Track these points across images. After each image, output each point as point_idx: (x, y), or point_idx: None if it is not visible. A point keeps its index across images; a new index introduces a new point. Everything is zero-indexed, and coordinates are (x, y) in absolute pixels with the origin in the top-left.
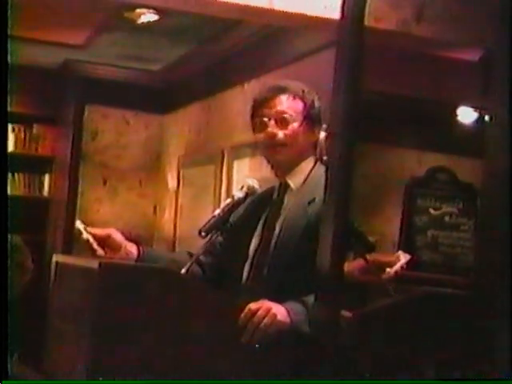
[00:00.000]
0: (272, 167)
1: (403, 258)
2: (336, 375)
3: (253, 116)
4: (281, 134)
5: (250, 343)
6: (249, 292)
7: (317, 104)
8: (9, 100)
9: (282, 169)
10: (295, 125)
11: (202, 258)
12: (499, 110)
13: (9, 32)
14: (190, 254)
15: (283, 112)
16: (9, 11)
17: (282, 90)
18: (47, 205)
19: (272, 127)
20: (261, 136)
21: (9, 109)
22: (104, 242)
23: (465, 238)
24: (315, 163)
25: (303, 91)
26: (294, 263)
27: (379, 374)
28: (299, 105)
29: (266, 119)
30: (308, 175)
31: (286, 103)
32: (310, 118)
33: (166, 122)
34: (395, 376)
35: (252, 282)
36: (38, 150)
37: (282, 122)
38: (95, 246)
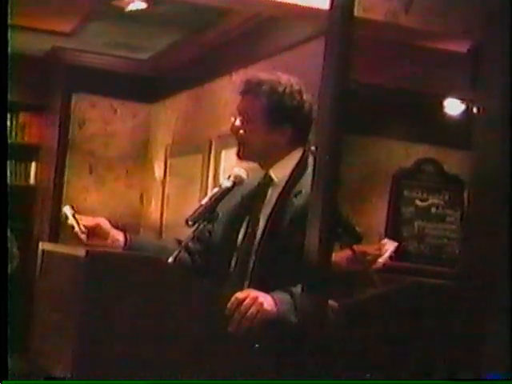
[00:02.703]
0: (242, 160)
1: (391, 246)
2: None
3: None
4: (241, 131)
5: (237, 332)
6: (235, 281)
7: (287, 100)
8: None
9: (261, 162)
10: (256, 124)
11: (190, 244)
12: (487, 102)
13: None
14: (179, 241)
15: (243, 112)
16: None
17: (248, 89)
18: (34, 193)
19: (233, 125)
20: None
21: None
22: (93, 230)
23: (451, 229)
24: (303, 155)
25: (272, 88)
26: (282, 255)
27: (365, 364)
28: (262, 104)
29: (233, 117)
30: (294, 168)
31: (247, 103)
32: (277, 116)
33: (154, 111)
34: (381, 365)
35: (237, 272)
36: (25, 138)
37: (242, 121)
38: (80, 233)
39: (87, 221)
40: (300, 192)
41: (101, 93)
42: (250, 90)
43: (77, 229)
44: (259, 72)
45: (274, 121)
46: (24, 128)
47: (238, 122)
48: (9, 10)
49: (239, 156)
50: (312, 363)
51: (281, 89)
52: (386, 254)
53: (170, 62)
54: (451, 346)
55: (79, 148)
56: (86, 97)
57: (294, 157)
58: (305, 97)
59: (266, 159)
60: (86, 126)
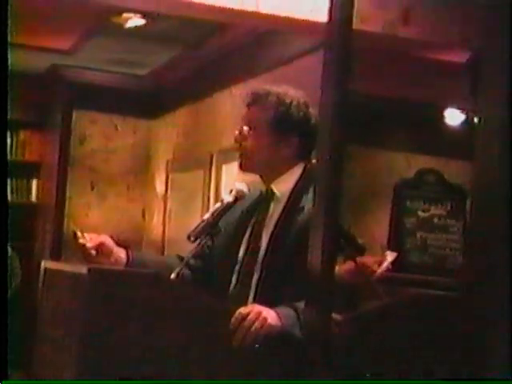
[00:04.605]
0: (245, 172)
1: (390, 256)
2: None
3: None
4: (246, 142)
5: (241, 347)
6: (237, 297)
7: (294, 111)
8: None
9: (263, 176)
10: (260, 136)
11: (191, 261)
12: (487, 111)
13: None
14: (180, 258)
15: (248, 123)
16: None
17: (254, 101)
18: (35, 210)
19: (237, 137)
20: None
21: None
22: (97, 249)
23: (453, 239)
24: (304, 170)
25: (278, 99)
26: (286, 271)
27: (368, 376)
28: (268, 115)
29: (236, 130)
30: (296, 183)
31: (253, 115)
32: (283, 127)
33: (154, 126)
34: (386, 377)
35: (240, 288)
36: (25, 156)
37: (247, 133)
38: (93, 251)
39: (91, 239)
40: (303, 209)
41: (101, 109)
42: (257, 101)
43: (89, 245)
44: (266, 84)
45: (281, 132)
46: (25, 145)
47: (243, 133)
48: (9, 29)
49: (241, 167)
50: (316, 376)
51: (288, 100)
52: (384, 265)
53: (170, 78)
54: (454, 356)
55: (80, 164)
56: (87, 113)
57: (296, 172)
58: (311, 110)
59: (269, 172)
60: (87, 142)
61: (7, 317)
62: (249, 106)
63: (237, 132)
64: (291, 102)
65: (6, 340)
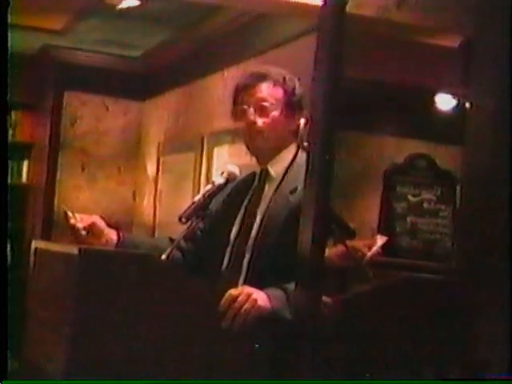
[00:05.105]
0: (252, 154)
1: (380, 241)
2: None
3: (234, 103)
4: (260, 121)
5: (231, 328)
6: (228, 279)
7: (298, 91)
8: None
9: (263, 156)
10: (275, 113)
11: (182, 243)
12: (479, 97)
13: None
14: (171, 240)
15: (263, 100)
16: None
17: (263, 77)
18: (26, 191)
19: (251, 115)
20: (241, 124)
21: None
22: (88, 229)
23: (443, 224)
24: (297, 151)
25: (284, 78)
26: (276, 252)
27: (359, 359)
28: (279, 92)
29: (245, 107)
30: (290, 163)
31: (266, 91)
32: (291, 106)
33: (146, 108)
34: (375, 361)
35: (232, 269)
36: (17, 137)
37: (262, 109)
38: (83, 231)
39: (82, 219)
40: (296, 189)
41: (92, 90)
42: (263, 80)
43: (79, 225)
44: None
45: (289, 109)
46: (16, 126)
47: (259, 111)
48: (9, 10)
49: (249, 147)
50: (306, 359)
51: (290, 77)
52: (374, 249)
53: (162, 59)
54: (444, 340)
55: (71, 146)
56: (78, 95)
57: (291, 151)
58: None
59: (269, 152)
60: (78, 123)
61: (7, 317)
62: (252, 86)
63: (251, 111)
64: (294, 79)
65: (6, 341)
